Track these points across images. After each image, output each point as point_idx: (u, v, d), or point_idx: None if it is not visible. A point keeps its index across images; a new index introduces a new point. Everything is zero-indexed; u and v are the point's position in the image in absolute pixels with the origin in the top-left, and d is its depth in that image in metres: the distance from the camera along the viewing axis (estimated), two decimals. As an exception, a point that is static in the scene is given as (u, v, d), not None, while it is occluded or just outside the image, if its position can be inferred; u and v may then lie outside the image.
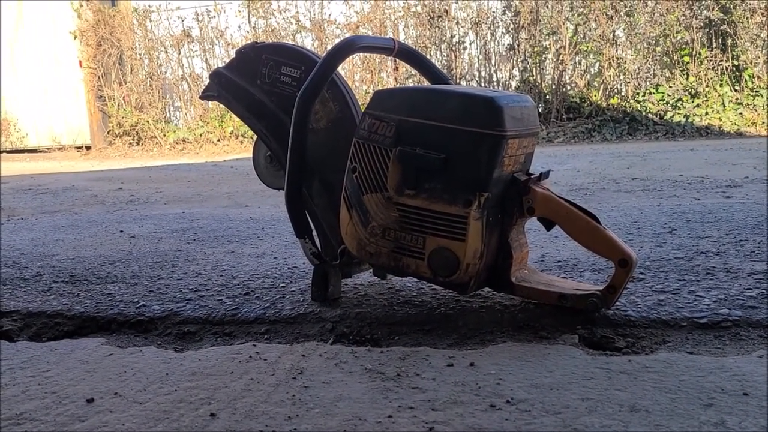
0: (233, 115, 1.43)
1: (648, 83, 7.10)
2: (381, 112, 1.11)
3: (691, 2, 6.84)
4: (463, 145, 1.04)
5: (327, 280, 1.28)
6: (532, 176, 1.11)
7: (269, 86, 1.32)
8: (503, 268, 1.12)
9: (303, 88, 1.20)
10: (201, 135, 8.14)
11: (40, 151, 9.20)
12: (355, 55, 1.35)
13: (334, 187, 1.23)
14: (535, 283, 1.14)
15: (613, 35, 7.18)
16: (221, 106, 1.50)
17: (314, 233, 1.30)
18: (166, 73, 8.95)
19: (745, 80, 6.69)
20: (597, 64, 7.33)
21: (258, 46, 1.34)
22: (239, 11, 8.30)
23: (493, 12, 7.74)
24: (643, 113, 6.81)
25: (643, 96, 6.95)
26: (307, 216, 1.29)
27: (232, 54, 1.37)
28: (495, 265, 1.11)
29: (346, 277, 1.34)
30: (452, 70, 7.57)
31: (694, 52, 6.87)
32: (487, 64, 7.84)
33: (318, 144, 1.28)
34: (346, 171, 1.16)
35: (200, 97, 1.46)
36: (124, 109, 8.76)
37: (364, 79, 7.82)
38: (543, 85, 7.44)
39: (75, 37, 8.94)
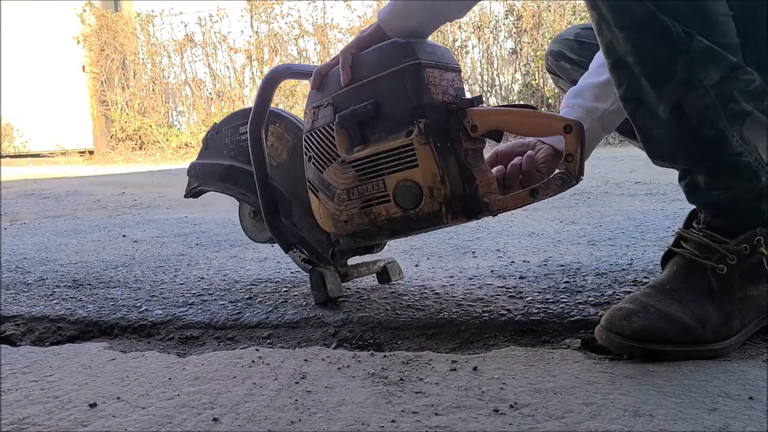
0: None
1: (650, 87, 7.09)
2: (316, 101, 1.20)
3: (693, 6, 6.83)
4: (388, 86, 1.10)
5: (324, 280, 1.29)
6: (464, 100, 1.13)
7: (234, 150, 1.44)
8: (473, 194, 1.11)
9: (249, 121, 1.31)
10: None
11: (43, 156, 9.22)
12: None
13: (311, 205, 1.26)
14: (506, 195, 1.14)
15: (616, 39, 7.17)
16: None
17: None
18: (168, 77, 8.98)
19: (748, 83, 6.68)
20: (599, 68, 7.32)
21: (217, 125, 1.47)
22: (242, 16, 8.32)
23: (496, 16, 7.75)
24: (646, 117, 6.79)
25: (646, 99, 6.93)
26: (290, 231, 1.36)
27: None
28: (464, 194, 1.11)
29: (345, 281, 1.34)
30: (454, 74, 7.57)
31: (696, 56, 6.85)
32: (489, 68, 7.84)
33: (286, 175, 1.36)
34: (304, 164, 1.23)
35: (185, 196, 1.56)
36: (127, 114, 8.79)
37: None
38: (546, 89, 7.45)
39: (78, 42, 8.97)
